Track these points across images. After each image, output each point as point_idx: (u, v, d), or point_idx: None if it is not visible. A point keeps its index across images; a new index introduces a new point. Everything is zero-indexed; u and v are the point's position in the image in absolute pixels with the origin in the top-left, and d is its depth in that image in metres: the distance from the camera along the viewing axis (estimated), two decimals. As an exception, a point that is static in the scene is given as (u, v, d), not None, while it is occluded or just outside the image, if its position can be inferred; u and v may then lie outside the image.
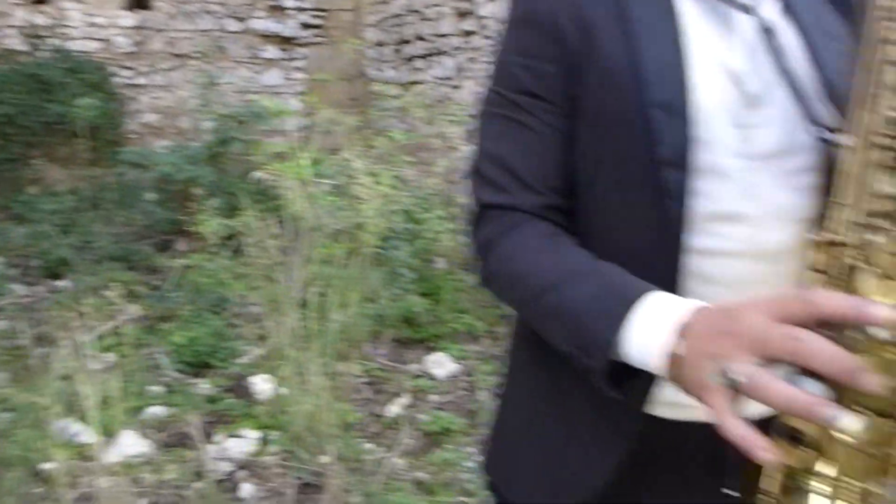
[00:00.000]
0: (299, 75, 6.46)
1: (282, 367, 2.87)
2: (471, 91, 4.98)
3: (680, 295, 0.71)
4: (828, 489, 0.56)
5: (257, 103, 3.29)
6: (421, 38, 5.75)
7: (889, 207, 0.56)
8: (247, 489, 2.59)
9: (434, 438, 2.93)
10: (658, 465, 0.86)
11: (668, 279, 0.75)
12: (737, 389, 0.55)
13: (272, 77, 6.46)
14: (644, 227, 0.77)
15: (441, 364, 3.39)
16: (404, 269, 3.44)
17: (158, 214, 4.54)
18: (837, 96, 0.73)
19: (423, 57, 5.77)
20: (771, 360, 0.54)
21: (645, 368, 0.67)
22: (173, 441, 2.77)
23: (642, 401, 0.79)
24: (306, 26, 6.43)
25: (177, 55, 6.19)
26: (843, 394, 0.52)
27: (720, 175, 0.75)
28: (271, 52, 6.44)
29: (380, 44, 6.37)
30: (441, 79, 5.49)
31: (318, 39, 6.49)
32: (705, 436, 0.81)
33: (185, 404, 2.96)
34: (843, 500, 0.55)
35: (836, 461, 0.55)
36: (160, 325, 3.60)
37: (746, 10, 0.77)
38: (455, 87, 5.32)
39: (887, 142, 0.56)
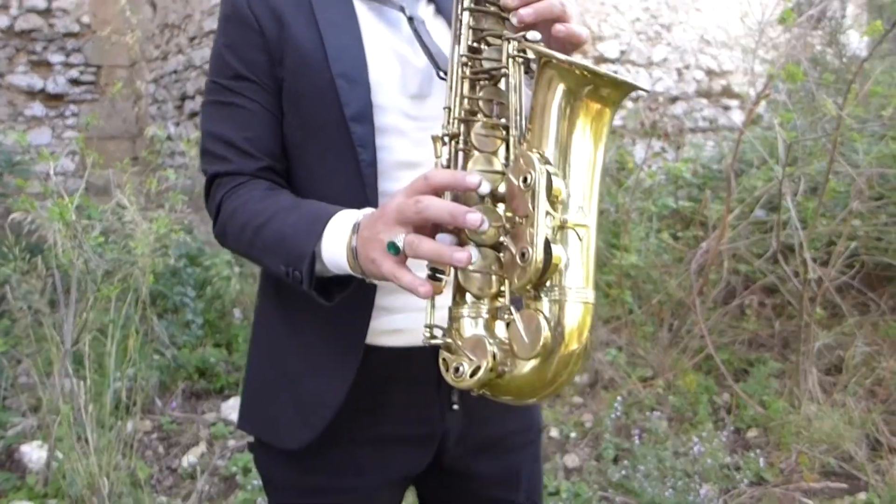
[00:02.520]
0: (71, 134, 6.08)
1: (57, 431, 2.65)
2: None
3: None
4: (469, 310, 0.78)
5: (13, 154, 3.07)
6: (203, 94, 5.69)
7: (475, 107, 0.82)
8: (18, 562, 2.35)
9: (233, 481, 2.86)
10: (387, 387, 1.01)
11: None
12: (399, 253, 0.75)
13: (41, 136, 6.02)
14: (343, 176, 0.95)
15: (238, 408, 3.32)
16: (193, 317, 3.35)
17: None
18: None
19: (206, 111, 5.69)
20: (413, 225, 0.76)
21: (340, 271, 0.86)
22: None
23: (364, 320, 0.96)
24: (76, 83, 6.10)
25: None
26: (465, 239, 0.76)
27: (398, 133, 0.97)
28: (37, 109, 6.01)
29: (162, 100, 6.20)
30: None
31: (91, 97, 6.18)
32: (426, 359, 0.98)
33: (-61, 486, 2.63)
34: (478, 316, 0.78)
35: (469, 286, 0.77)
36: None
37: (401, 8, 1.01)
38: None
39: (468, 61, 0.83)
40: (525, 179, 0.71)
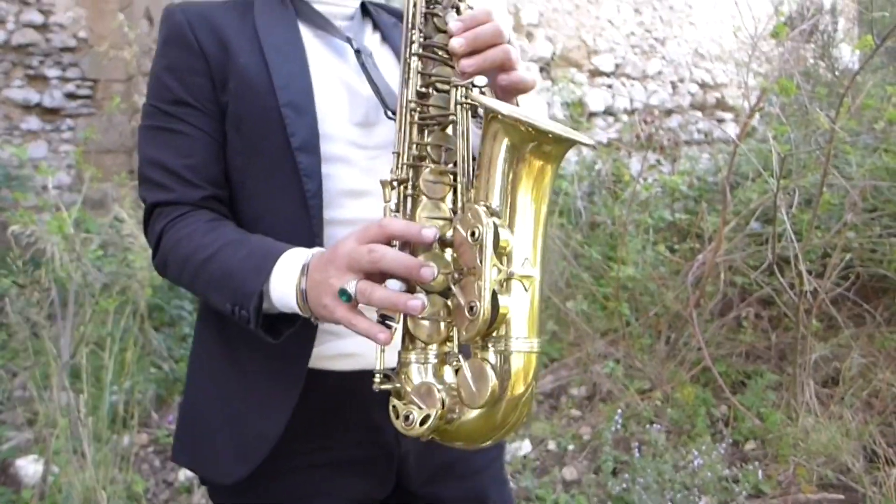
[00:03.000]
0: (68, 148, 6.08)
1: (53, 444, 2.64)
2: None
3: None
4: (417, 355, 0.79)
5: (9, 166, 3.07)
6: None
7: (424, 152, 0.83)
8: (13, 577, 2.33)
9: (230, 496, 2.85)
10: (336, 412, 0.99)
11: (309, 245, 0.91)
12: (350, 301, 0.76)
13: (37, 150, 6.02)
14: (288, 205, 0.93)
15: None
16: (190, 330, 3.35)
17: None
18: None
19: (203, 125, 5.72)
20: (364, 273, 0.76)
21: (288, 310, 0.84)
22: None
23: (306, 353, 0.93)
24: (73, 97, 6.11)
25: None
26: (414, 287, 0.77)
27: (344, 161, 0.96)
28: (33, 123, 6.02)
29: (157, 113, 6.21)
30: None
31: (88, 111, 6.20)
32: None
33: (-67, 501, 2.61)
34: (426, 362, 0.79)
35: (417, 333, 0.79)
36: None
37: (348, 39, 1.00)
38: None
39: (417, 107, 0.84)
40: (473, 234, 0.73)
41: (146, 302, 2.55)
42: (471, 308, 0.73)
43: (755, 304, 3.42)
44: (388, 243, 0.76)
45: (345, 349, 0.96)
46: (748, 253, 3.23)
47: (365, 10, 1.09)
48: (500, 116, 0.75)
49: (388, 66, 1.01)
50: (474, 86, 0.82)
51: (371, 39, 1.06)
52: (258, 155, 0.94)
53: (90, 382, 2.61)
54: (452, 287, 0.76)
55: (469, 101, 0.82)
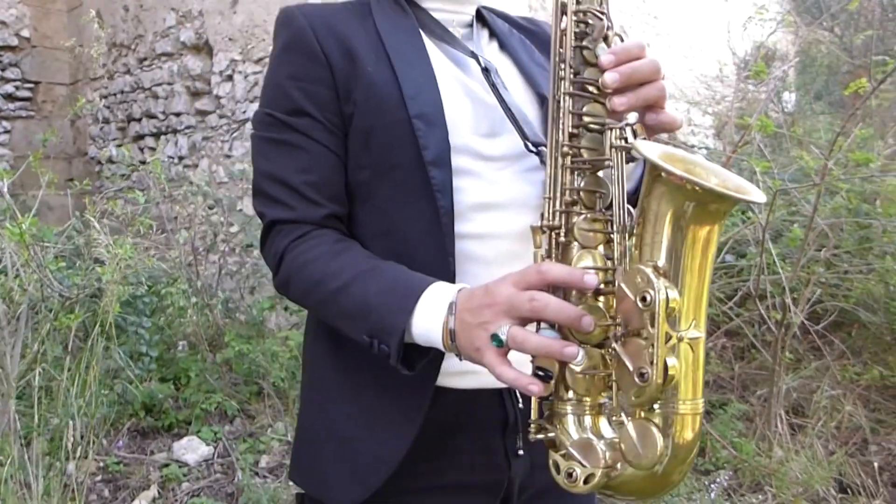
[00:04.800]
0: (3, 151, 5.73)
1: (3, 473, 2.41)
2: (206, 169, 4.86)
3: (452, 272, 0.88)
4: (574, 406, 0.76)
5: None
6: (151, 117, 5.49)
7: (576, 197, 0.79)
8: None
9: (190, 528, 2.66)
10: (453, 433, 0.95)
11: (443, 261, 0.89)
12: (502, 346, 0.73)
13: (-34, 153, 5.64)
14: (420, 221, 0.90)
15: (192, 449, 3.12)
16: (145, 348, 3.16)
17: None
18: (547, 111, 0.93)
19: (154, 135, 5.50)
20: (521, 319, 0.73)
21: (431, 346, 0.82)
22: None
23: (431, 378, 0.89)
24: (11, 98, 5.78)
25: None
26: (571, 335, 0.75)
27: (471, 174, 0.92)
28: (-35, 124, 5.65)
29: (104, 121, 5.94)
30: (174, 157, 5.27)
31: (27, 114, 5.86)
32: (494, 402, 0.96)
33: None
34: (582, 413, 0.77)
35: (575, 386, 0.76)
36: None
37: (473, 55, 0.97)
38: (190, 165, 5.14)
39: (569, 151, 0.80)
40: (644, 299, 0.69)
41: (111, 319, 2.38)
42: (641, 374, 0.70)
43: (721, 335, 3.49)
44: (545, 290, 0.73)
45: (469, 365, 0.90)
46: (718, 285, 3.30)
47: (480, 16, 1.05)
48: (664, 174, 0.71)
49: (510, 78, 0.98)
50: (628, 125, 0.78)
51: (489, 48, 1.02)
52: (388, 169, 0.90)
53: (43, 406, 2.41)
54: (615, 344, 0.73)
55: (627, 146, 0.77)
